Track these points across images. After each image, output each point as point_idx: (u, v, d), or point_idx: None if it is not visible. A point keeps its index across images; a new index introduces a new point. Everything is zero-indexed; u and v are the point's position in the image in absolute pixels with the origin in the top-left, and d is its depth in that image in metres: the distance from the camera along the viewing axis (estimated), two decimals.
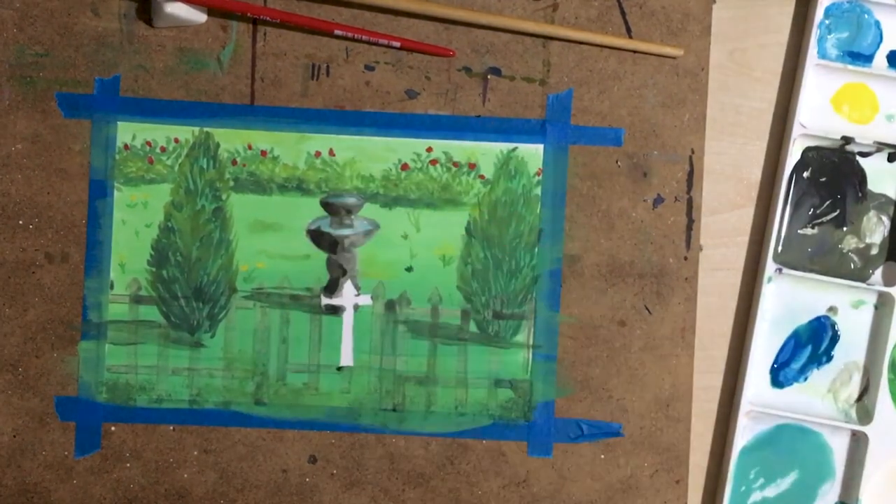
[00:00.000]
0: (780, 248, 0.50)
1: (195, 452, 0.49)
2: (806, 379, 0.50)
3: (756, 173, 0.51)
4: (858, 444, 0.49)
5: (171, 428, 0.49)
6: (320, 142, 0.49)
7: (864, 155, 0.50)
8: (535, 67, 0.49)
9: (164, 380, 0.49)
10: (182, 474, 0.49)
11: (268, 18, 0.48)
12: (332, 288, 0.49)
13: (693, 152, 0.49)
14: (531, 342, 0.49)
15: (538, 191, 0.49)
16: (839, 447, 0.50)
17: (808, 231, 0.50)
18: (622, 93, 0.49)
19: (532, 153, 0.49)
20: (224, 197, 0.49)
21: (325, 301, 0.49)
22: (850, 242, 0.50)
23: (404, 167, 0.49)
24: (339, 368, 0.49)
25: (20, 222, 0.49)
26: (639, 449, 0.49)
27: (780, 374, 0.50)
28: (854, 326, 0.50)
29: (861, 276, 0.50)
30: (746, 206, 0.51)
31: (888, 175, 0.50)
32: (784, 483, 0.50)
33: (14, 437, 0.49)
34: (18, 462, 0.49)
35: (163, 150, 0.49)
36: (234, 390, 0.49)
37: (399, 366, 0.49)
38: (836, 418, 0.50)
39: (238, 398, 0.49)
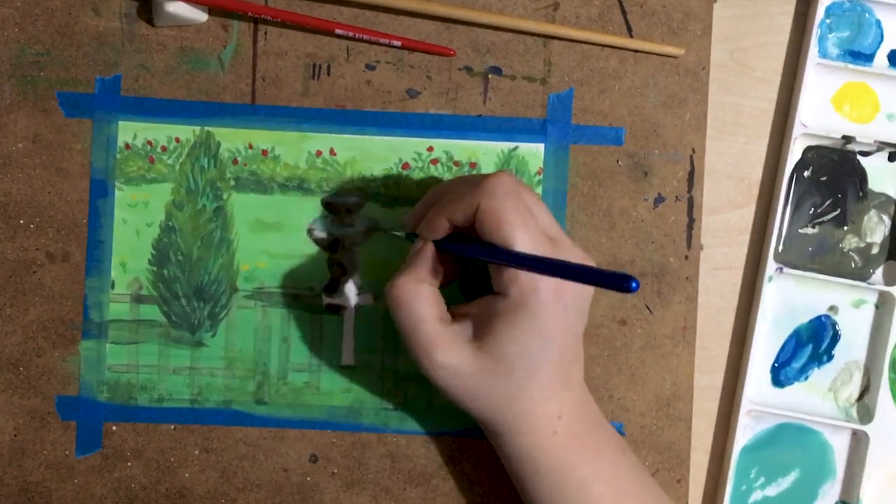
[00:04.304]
0: (780, 248, 0.50)
1: (196, 452, 0.49)
2: (807, 378, 0.50)
3: (757, 172, 0.51)
4: (859, 443, 0.49)
5: (172, 427, 0.49)
6: (321, 141, 0.49)
7: (864, 154, 0.50)
8: (535, 67, 0.49)
9: (164, 379, 0.49)
10: (183, 473, 0.49)
11: (269, 18, 0.48)
12: (333, 287, 0.49)
13: (694, 151, 0.49)
14: None
15: (539, 190, 0.49)
16: (840, 446, 0.50)
17: (809, 230, 0.50)
18: (623, 92, 0.49)
19: (533, 152, 0.49)
20: (225, 196, 0.49)
21: (326, 300, 0.49)
22: (851, 241, 0.50)
23: (405, 166, 0.49)
24: (341, 368, 0.49)
25: (21, 222, 0.49)
26: (639, 448, 0.49)
27: (780, 374, 0.50)
28: (855, 325, 0.50)
29: (862, 275, 0.50)
30: (747, 205, 0.51)
31: (889, 174, 0.50)
32: (785, 482, 0.50)
33: (15, 436, 0.49)
34: (19, 461, 0.49)
35: (164, 149, 0.49)
36: (235, 389, 0.49)
37: (400, 365, 0.49)
38: (837, 417, 0.50)
39: (239, 397, 0.49)
